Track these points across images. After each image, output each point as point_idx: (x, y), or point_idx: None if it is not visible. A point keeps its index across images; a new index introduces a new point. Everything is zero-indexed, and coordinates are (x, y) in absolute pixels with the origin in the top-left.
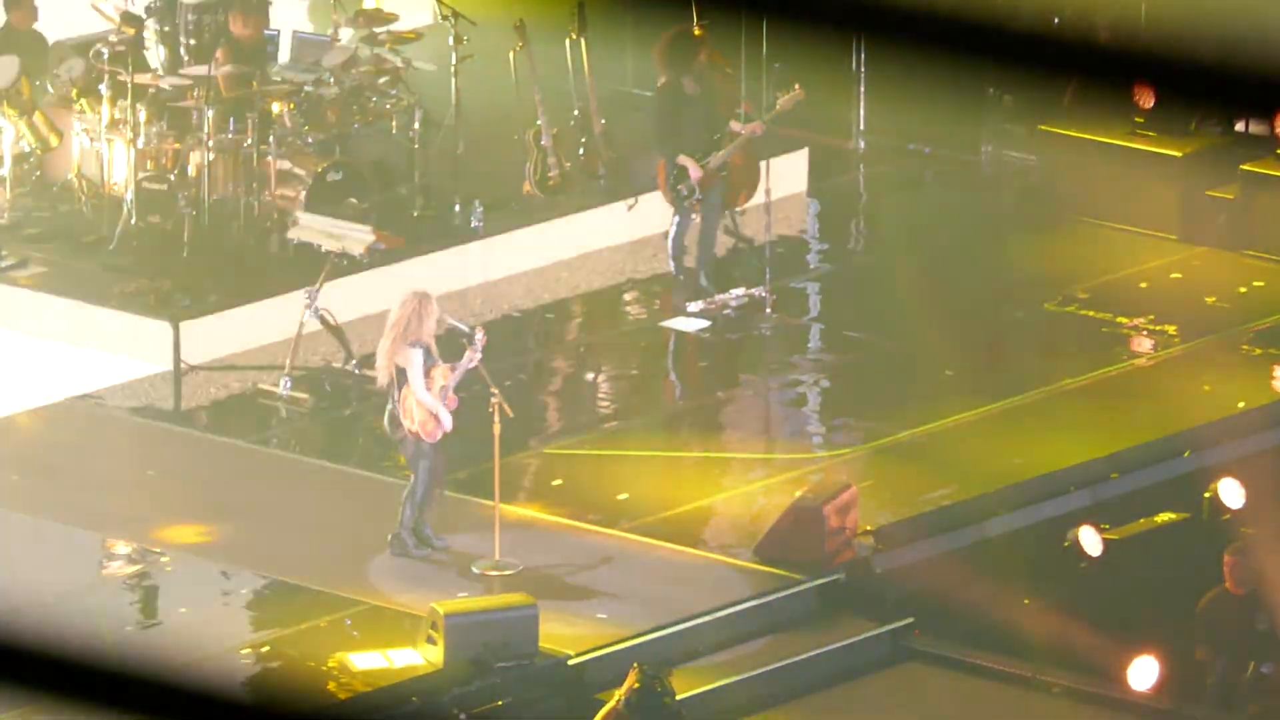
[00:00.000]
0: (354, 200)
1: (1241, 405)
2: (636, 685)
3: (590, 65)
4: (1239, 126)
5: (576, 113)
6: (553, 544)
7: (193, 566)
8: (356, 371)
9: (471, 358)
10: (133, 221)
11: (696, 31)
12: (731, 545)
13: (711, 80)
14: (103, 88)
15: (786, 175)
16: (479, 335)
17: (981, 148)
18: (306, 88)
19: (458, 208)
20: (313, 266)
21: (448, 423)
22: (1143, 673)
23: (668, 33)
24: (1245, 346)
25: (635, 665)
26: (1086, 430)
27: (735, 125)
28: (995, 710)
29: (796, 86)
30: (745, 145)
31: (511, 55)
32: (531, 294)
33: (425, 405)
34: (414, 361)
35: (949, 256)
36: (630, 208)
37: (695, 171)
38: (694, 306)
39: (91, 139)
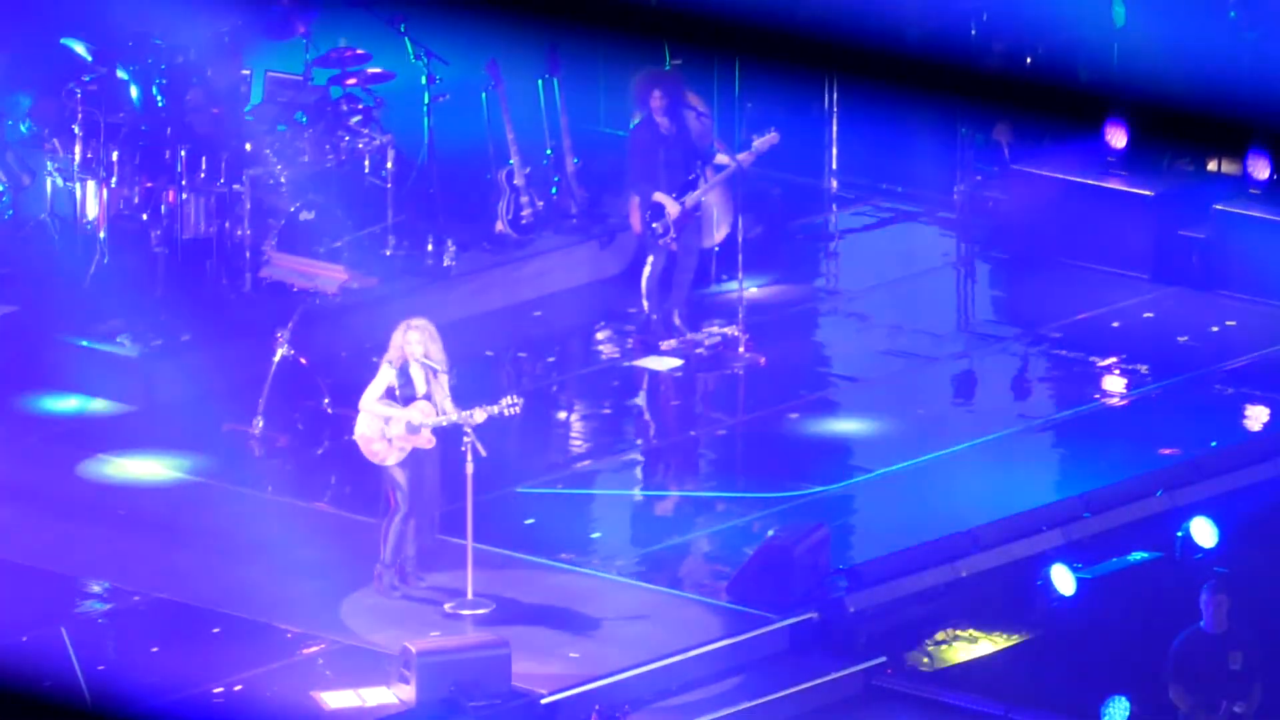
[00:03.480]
0: (326, 238)
1: (1214, 444)
2: None
3: (563, 105)
4: (1211, 166)
5: (549, 152)
6: (525, 583)
7: (164, 605)
8: (329, 410)
9: (470, 417)
10: (105, 260)
11: (671, 70)
12: (704, 584)
13: (686, 119)
14: (75, 127)
15: (759, 214)
16: (506, 400)
17: (954, 187)
18: (279, 127)
19: (430, 247)
20: (285, 305)
21: (401, 440)
22: (1116, 711)
23: (645, 70)
24: (1217, 385)
25: (595, 709)
26: (1059, 469)
27: (722, 157)
28: None
29: (772, 130)
30: (720, 185)
31: (484, 95)
32: (504, 333)
33: (364, 409)
34: (378, 375)
35: (921, 296)
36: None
37: (672, 208)
38: (667, 345)
39: (64, 178)
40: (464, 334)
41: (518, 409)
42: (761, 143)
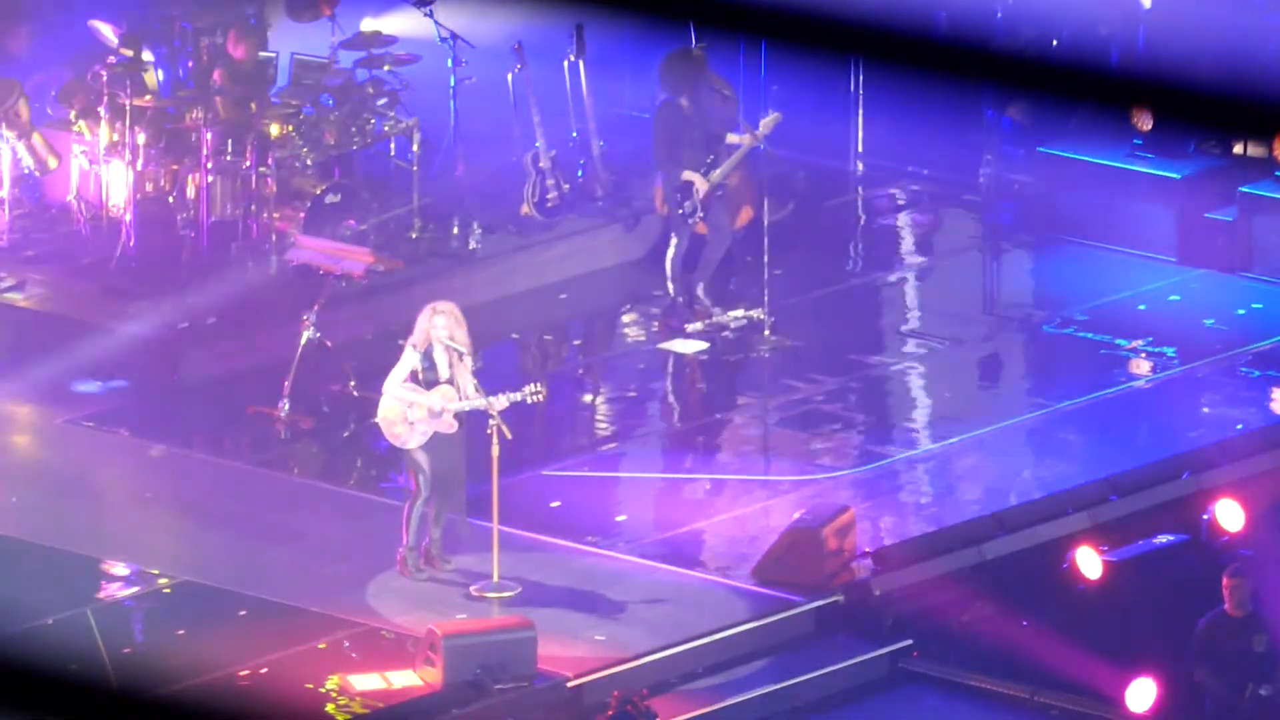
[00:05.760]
0: (352, 222)
1: (1240, 427)
2: (612, 713)
3: (588, 87)
4: (1237, 149)
5: (575, 135)
6: (551, 566)
7: (190, 588)
8: (355, 393)
9: (495, 404)
10: (131, 243)
11: (695, 52)
12: (729, 567)
13: (707, 101)
14: (101, 110)
15: (784, 197)
16: (529, 388)
17: (980, 169)
18: (305, 110)
19: (456, 229)
20: (311, 288)
21: (417, 426)
22: (1141, 695)
23: (669, 52)
24: (1243, 368)
25: (615, 694)
26: (1085, 452)
27: (732, 138)
28: None
29: (772, 111)
30: (740, 164)
31: (510, 77)
32: (530, 316)
33: (388, 392)
34: (403, 359)
35: (948, 279)
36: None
37: (701, 185)
38: (692, 328)
39: (90, 161)
40: (489, 317)
41: (541, 397)
42: (766, 123)
